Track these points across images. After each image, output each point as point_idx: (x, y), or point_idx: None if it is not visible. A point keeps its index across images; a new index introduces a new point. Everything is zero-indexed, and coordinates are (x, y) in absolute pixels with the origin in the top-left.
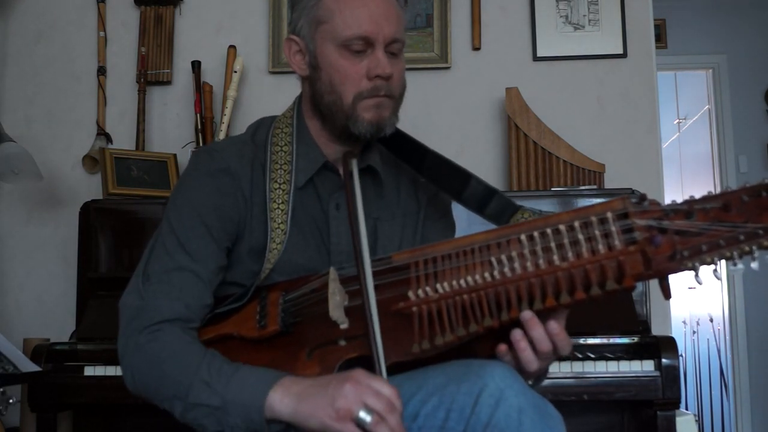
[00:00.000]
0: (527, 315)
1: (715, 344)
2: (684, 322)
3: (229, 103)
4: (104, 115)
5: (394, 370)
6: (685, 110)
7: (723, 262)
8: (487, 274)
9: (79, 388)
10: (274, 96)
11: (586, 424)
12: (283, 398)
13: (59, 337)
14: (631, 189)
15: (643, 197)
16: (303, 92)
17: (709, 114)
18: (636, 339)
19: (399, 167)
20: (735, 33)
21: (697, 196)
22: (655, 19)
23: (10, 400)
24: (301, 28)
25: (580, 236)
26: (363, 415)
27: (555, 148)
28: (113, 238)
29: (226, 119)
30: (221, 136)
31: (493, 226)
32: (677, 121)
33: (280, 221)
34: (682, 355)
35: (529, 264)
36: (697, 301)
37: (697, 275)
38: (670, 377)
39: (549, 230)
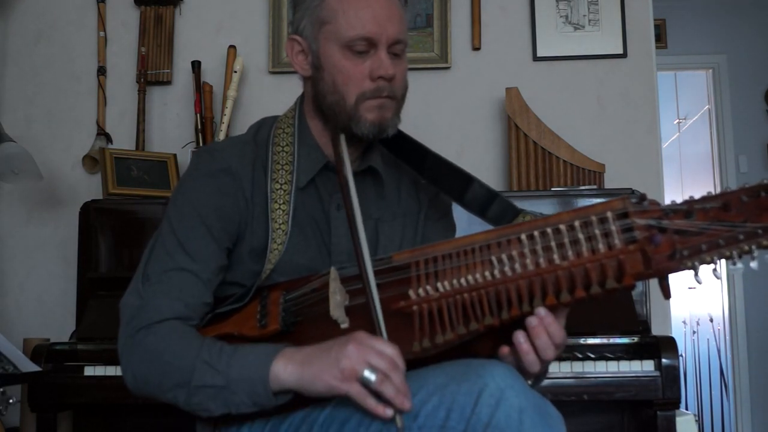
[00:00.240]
0: (533, 322)
1: (715, 344)
2: (684, 322)
3: (229, 103)
4: (104, 115)
5: None
6: (685, 110)
7: (722, 261)
8: (487, 273)
9: (79, 388)
10: (274, 96)
11: (586, 424)
12: (287, 366)
13: (59, 337)
14: (631, 189)
15: (643, 197)
16: (305, 92)
17: (709, 114)
18: (636, 339)
19: (400, 168)
20: (735, 33)
21: (697, 196)
22: (655, 19)
23: (10, 400)
24: (303, 29)
25: (581, 235)
26: (368, 374)
27: (555, 148)
28: (113, 238)
29: (226, 119)
30: (221, 136)
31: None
32: (677, 121)
33: (281, 221)
34: (682, 355)
35: (529, 263)
36: (697, 301)
37: (696, 275)
38: (670, 377)
39: (549, 229)
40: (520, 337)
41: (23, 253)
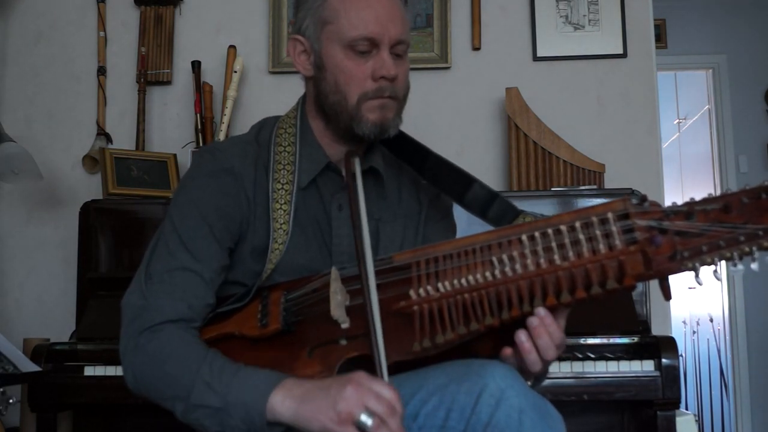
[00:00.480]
0: (534, 322)
1: (715, 344)
2: (684, 322)
3: (229, 103)
4: (104, 115)
5: (395, 369)
6: (685, 110)
7: (723, 262)
8: (488, 274)
9: (79, 388)
10: (274, 96)
11: (586, 424)
12: (285, 400)
13: (59, 337)
14: (631, 189)
15: (643, 198)
16: (307, 92)
17: (709, 114)
18: (636, 339)
19: (401, 168)
20: (735, 33)
21: (698, 197)
22: (655, 19)
23: (10, 400)
24: (306, 28)
25: (581, 236)
26: (364, 418)
27: (555, 148)
28: (113, 238)
29: (226, 119)
30: (221, 136)
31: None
32: (677, 121)
33: (282, 221)
34: (682, 355)
35: (530, 263)
36: (697, 301)
37: (697, 276)
38: (670, 377)
39: (550, 230)
40: (522, 336)
41: (23, 253)
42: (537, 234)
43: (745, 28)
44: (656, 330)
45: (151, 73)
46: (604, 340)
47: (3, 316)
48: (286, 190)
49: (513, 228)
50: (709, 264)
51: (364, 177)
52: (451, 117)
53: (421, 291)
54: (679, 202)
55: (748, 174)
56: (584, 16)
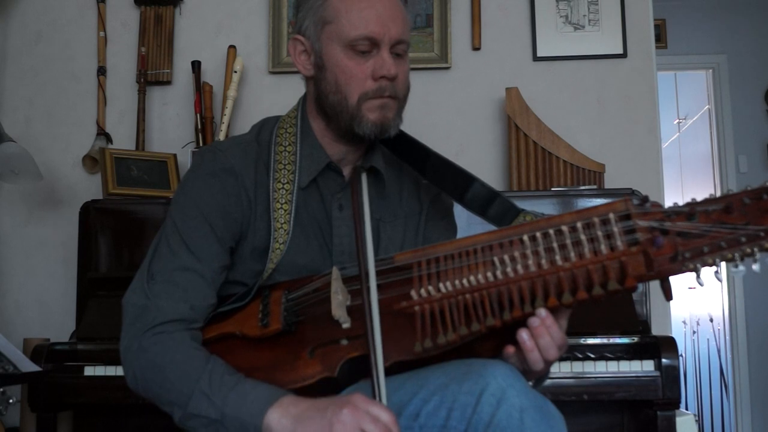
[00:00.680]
0: (535, 322)
1: (715, 344)
2: (684, 322)
3: (229, 103)
4: (104, 115)
5: (396, 369)
6: (685, 110)
7: (724, 263)
8: (489, 274)
9: (79, 388)
10: (274, 96)
11: (586, 424)
12: (281, 419)
13: (59, 337)
14: (631, 189)
15: (645, 199)
16: (307, 92)
17: (709, 114)
18: (636, 339)
19: (401, 168)
20: (735, 33)
21: (699, 197)
22: (655, 19)
23: (10, 400)
24: (306, 28)
25: (583, 237)
26: None
27: (555, 148)
28: (113, 238)
29: (226, 119)
30: (221, 136)
31: (494, 228)
32: (677, 121)
33: (283, 221)
34: (682, 355)
35: (531, 264)
36: (697, 301)
37: (698, 277)
38: (670, 377)
39: (551, 231)
40: (524, 334)
41: (23, 253)
42: (538, 234)
43: (745, 28)
44: (656, 330)
45: (151, 73)
46: (604, 340)
47: (3, 316)
48: (287, 190)
49: (514, 228)
50: (711, 265)
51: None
52: (451, 117)
53: (423, 291)
54: (680, 202)
55: (748, 174)
56: (584, 16)
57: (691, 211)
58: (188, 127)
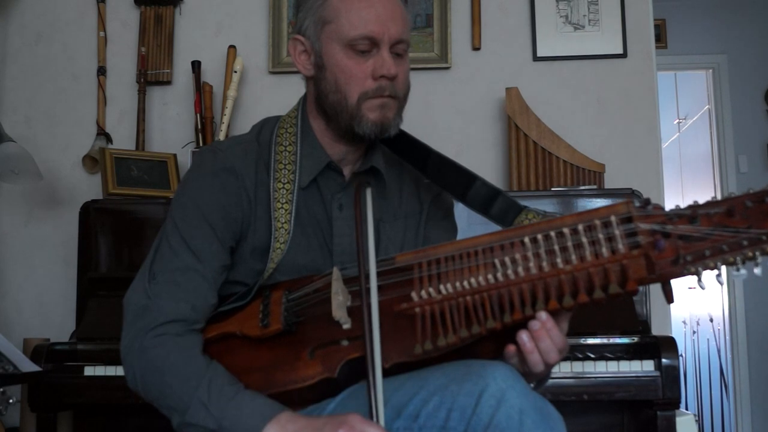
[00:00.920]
0: (536, 326)
1: (715, 344)
2: (684, 322)
3: (229, 103)
4: (104, 115)
5: (396, 370)
6: (685, 110)
7: (725, 267)
8: (490, 276)
9: (79, 388)
10: (274, 96)
11: (586, 424)
12: None
13: (59, 337)
14: (631, 189)
15: (646, 201)
16: (307, 92)
17: (709, 114)
18: (636, 339)
19: (401, 168)
20: (735, 33)
21: (700, 199)
22: (655, 19)
23: (10, 400)
24: (306, 28)
25: (584, 239)
26: None
27: (555, 148)
28: (113, 238)
29: (226, 119)
30: (221, 136)
31: (493, 227)
32: (677, 121)
33: (283, 221)
34: (682, 355)
35: (532, 266)
36: (697, 301)
37: (699, 280)
38: (670, 377)
39: (553, 233)
40: (524, 336)
41: (23, 253)
42: (540, 236)
43: (745, 28)
44: (656, 330)
45: (151, 73)
46: (604, 340)
47: (3, 316)
48: (287, 190)
49: (515, 230)
50: (712, 268)
51: (365, 177)
52: (451, 117)
53: (423, 293)
54: (680, 202)
55: (748, 174)
56: (584, 16)
57: (692, 214)
58: (188, 127)
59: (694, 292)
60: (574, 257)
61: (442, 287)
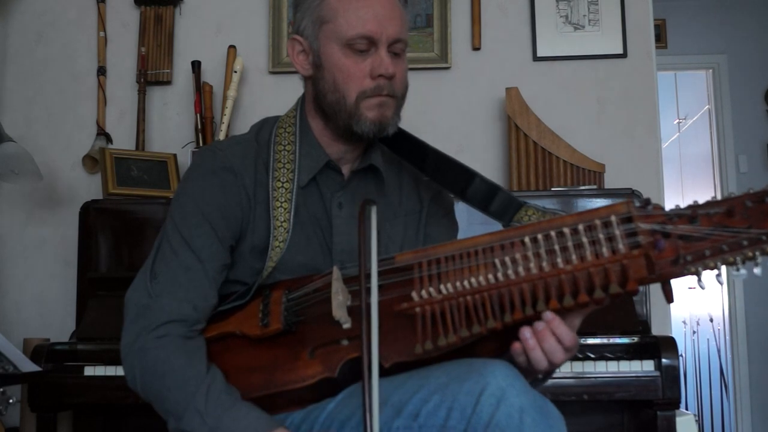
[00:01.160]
0: (539, 326)
1: (715, 344)
2: (684, 322)
3: (229, 103)
4: (104, 115)
5: (396, 370)
6: (685, 110)
7: (725, 267)
8: (490, 276)
9: (79, 388)
10: (274, 96)
11: (586, 424)
12: None
13: (59, 337)
14: (631, 189)
15: (647, 201)
16: (306, 92)
17: (709, 114)
18: (636, 339)
19: (401, 166)
20: (735, 33)
21: (700, 199)
22: (655, 19)
23: (10, 400)
24: (304, 28)
25: (584, 239)
26: None
27: (555, 148)
28: (113, 238)
29: (226, 119)
30: (221, 136)
31: (494, 225)
32: (677, 121)
33: (282, 220)
34: (682, 355)
35: (532, 266)
36: (697, 301)
37: (699, 280)
38: (670, 377)
39: (553, 233)
40: (526, 332)
41: (23, 253)
42: (540, 236)
43: (745, 27)
44: (656, 330)
45: (151, 73)
46: (604, 340)
47: (3, 316)
48: (287, 189)
49: (516, 230)
50: (712, 268)
51: (364, 175)
52: (451, 117)
53: (424, 293)
54: (680, 202)
55: (748, 174)
56: (584, 16)
57: (693, 214)
58: (188, 127)
59: (694, 292)
60: (574, 257)
61: (442, 287)
